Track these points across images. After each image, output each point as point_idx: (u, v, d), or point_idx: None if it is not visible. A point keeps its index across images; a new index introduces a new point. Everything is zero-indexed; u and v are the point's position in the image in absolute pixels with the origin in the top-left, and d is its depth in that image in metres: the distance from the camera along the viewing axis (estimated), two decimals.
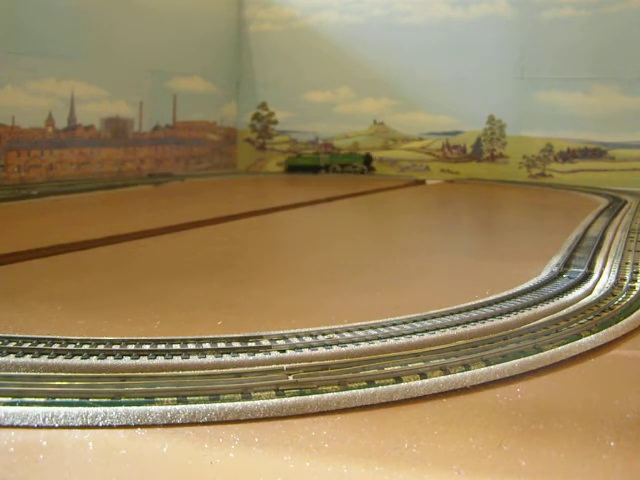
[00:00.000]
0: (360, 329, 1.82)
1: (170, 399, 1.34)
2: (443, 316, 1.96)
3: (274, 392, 1.39)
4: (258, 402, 1.34)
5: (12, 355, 1.55)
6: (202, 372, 1.51)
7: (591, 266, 2.65)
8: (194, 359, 1.56)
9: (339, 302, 2.28)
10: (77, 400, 1.32)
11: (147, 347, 1.63)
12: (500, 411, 1.39)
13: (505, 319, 1.93)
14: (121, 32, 6.43)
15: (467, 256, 3.22)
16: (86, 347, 1.62)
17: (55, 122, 5.87)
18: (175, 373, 1.50)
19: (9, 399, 1.31)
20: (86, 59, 6.08)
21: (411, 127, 7.60)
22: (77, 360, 1.54)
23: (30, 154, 5.63)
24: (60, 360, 1.53)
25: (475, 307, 2.05)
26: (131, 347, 1.62)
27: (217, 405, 1.32)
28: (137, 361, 1.54)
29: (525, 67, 7.01)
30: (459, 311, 2.01)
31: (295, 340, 1.72)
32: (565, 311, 2.03)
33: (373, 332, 1.80)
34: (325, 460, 1.17)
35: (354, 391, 1.40)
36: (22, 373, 1.49)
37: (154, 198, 5.50)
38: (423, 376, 1.49)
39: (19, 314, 1.99)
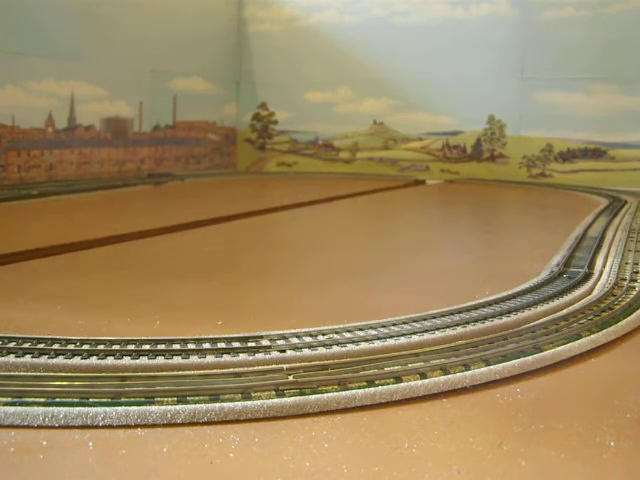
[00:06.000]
0: (360, 329, 1.82)
1: (170, 399, 1.34)
2: (443, 316, 1.96)
3: (274, 392, 1.39)
4: (258, 402, 1.34)
5: (12, 355, 1.55)
6: (202, 372, 1.51)
7: (591, 266, 2.65)
8: (194, 359, 1.56)
9: (339, 302, 2.28)
10: (77, 400, 1.32)
11: (147, 347, 1.63)
12: (500, 411, 1.39)
13: (505, 319, 1.93)
14: (121, 32, 6.43)
15: (467, 256, 3.22)
16: (86, 347, 1.62)
17: (55, 122, 5.87)
18: (175, 373, 1.50)
19: (9, 399, 1.31)
20: (86, 59, 6.08)
21: (411, 127, 7.60)
22: (77, 360, 1.54)
23: (30, 154, 5.63)
24: (60, 360, 1.53)
25: (475, 307, 2.05)
26: (131, 347, 1.62)
27: (217, 405, 1.32)
28: (137, 361, 1.54)
29: (525, 67, 7.01)
30: (459, 311, 2.01)
31: (295, 340, 1.72)
32: (565, 311, 2.03)
33: (373, 332, 1.80)
34: (325, 460, 1.17)
35: (354, 391, 1.40)
36: (22, 373, 1.49)
37: (154, 198, 5.50)
38: (423, 376, 1.49)
39: (19, 314, 1.99)
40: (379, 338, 1.74)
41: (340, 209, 5.07)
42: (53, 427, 1.25)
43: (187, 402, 1.33)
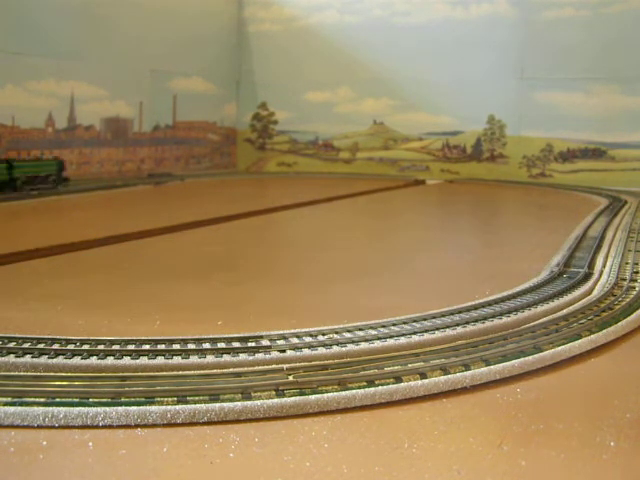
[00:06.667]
0: (360, 329, 1.82)
1: (170, 399, 1.34)
2: (443, 316, 1.96)
3: (274, 392, 1.39)
4: (258, 402, 1.34)
5: (12, 355, 1.55)
6: (202, 372, 1.51)
7: (591, 266, 2.65)
8: (194, 359, 1.56)
9: (339, 302, 2.28)
10: (77, 400, 1.32)
11: (147, 347, 1.62)
12: (500, 411, 1.39)
13: (505, 319, 1.93)
14: (121, 32, 6.43)
15: (467, 256, 3.22)
16: (86, 347, 1.62)
17: (55, 122, 5.87)
18: (175, 373, 1.50)
19: (9, 399, 1.31)
20: (86, 59, 6.08)
21: (411, 127, 7.61)
22: (77, 360, 1.54)
23: (30, 154, 5.63)
24: (60, 360, 1.53)
25: (475, 307, 2.05)
26: (131, 347, 1.62)
27: (217, 405, 1.32)
28: (137, 361, 1.54)
29: (525, 67, 7.01)
30: (459, 311, 2.01)
31: (295, 340, 1.72)
32: (565, 311, 2.03)
33: (373, 332, 1.80)
34: (325, 460, 1.17)
35: (354, 391, 1.40)
36: (22, 373, 1.49)
37: (154, 198, 5.50)
38: (423, 376, 1.49)
39: (19, 314, 1.99)
40: (379, 338, 1.74)
41: (340, 209, 5.07)
42: (53, 427, 1.26)
43: (187, 402, 1.33)
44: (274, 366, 1.53)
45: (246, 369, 1.51)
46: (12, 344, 1.61)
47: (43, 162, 5.34)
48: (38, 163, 5.28)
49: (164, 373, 1.50)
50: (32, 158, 5.44)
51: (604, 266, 2.64)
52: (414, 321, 1.90)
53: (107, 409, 1.28)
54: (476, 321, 1.90)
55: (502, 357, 1.62)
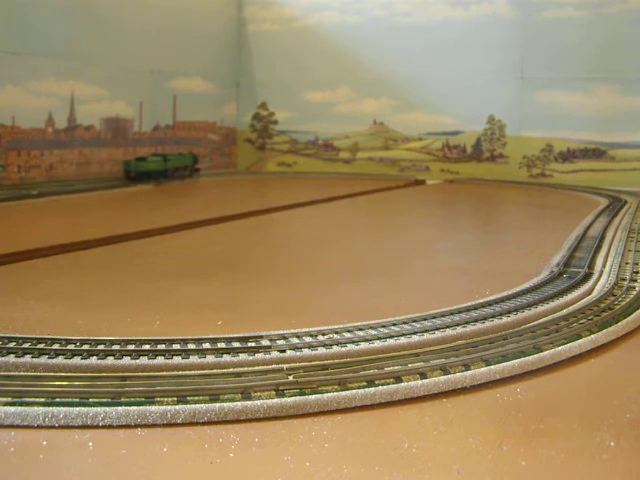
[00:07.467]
0: (360, 329, 1.82)
1: (170, 399, 1.34)
2: (443, 316, 1.96)
3: (274, 392, 1.39)
4: (258, 402, 1.34)
5: (12, 355, 1.55)
6: (202, 372, 1.51)
7: (591, 266, 2.65)
8: (194, 359, 1.56)
9: (339, 302, 2.27)
10: (77, 400, 1.32)
11: (147, 347, 1.62)
12: (500, 411, 1.39)
13: (505, 319, 1.93)
14: (121, 32, 6.43)
15: (467, 256, 3.22)
16: (86, 347, 1.62)
17: (55, 122, 5.87)
18: (175, 373, 1.50)
19: (9, 399, 1.31)
20: (86, 59, 6.08)
21: (411, 127, 7.61)
22: (77, 360, 1.54)
23: (30, 154, 5.63)
24: (60, 360, 1.53)
25: (475, 307, 2.05)
26: (131, 347, 1.62)
27: (217, 405, 1.32)
28: (137, 361, 1.54)
29: (525, 67, 7.01)
30: (459, 311, 2.01)
31: (295, 340, 1.72)
32: (565, 311, 2.04)
33: (373, 332, 1.80)
34: (325, 460, 1.17)
35: (354, 391, 1.41)
36: (22, 373, 1.49)
37: (154, 198, 5.50)
38: (423, 376, 1.49)
39: (19, 314, 1.99)
40: (379, 338, 1.74)
41: (340, 209, 5.07)
42: (53, 427, 1.26)
43: (187, 402, 1.33)
44: (274, 366, 1.53)
45: (246, 369, 1.52)
46: (12, 344, 1.61)
47: (184, 156, 6.70)
48: (181, 157, 6.63)
49: (164, 373, 1.50)
50: (176, 153, 6.78)
51: (604, 266, 2.64)
52: (414, 321, 1.91)
53: (107, 409, 1.28)
54: (476, 321, 1.90)
55: (502, 357, 1.62)
